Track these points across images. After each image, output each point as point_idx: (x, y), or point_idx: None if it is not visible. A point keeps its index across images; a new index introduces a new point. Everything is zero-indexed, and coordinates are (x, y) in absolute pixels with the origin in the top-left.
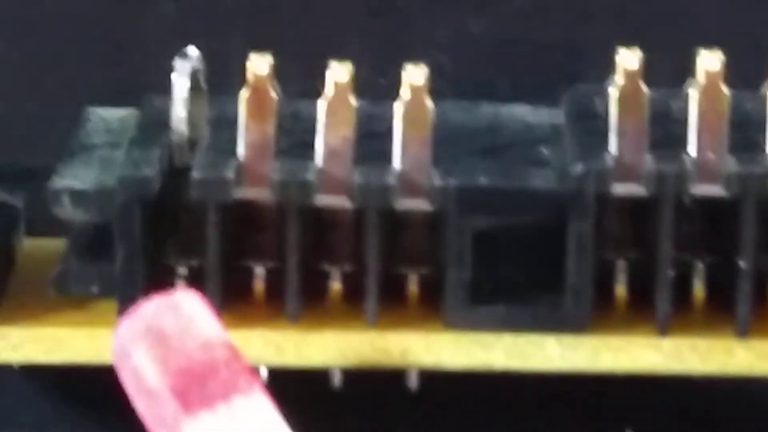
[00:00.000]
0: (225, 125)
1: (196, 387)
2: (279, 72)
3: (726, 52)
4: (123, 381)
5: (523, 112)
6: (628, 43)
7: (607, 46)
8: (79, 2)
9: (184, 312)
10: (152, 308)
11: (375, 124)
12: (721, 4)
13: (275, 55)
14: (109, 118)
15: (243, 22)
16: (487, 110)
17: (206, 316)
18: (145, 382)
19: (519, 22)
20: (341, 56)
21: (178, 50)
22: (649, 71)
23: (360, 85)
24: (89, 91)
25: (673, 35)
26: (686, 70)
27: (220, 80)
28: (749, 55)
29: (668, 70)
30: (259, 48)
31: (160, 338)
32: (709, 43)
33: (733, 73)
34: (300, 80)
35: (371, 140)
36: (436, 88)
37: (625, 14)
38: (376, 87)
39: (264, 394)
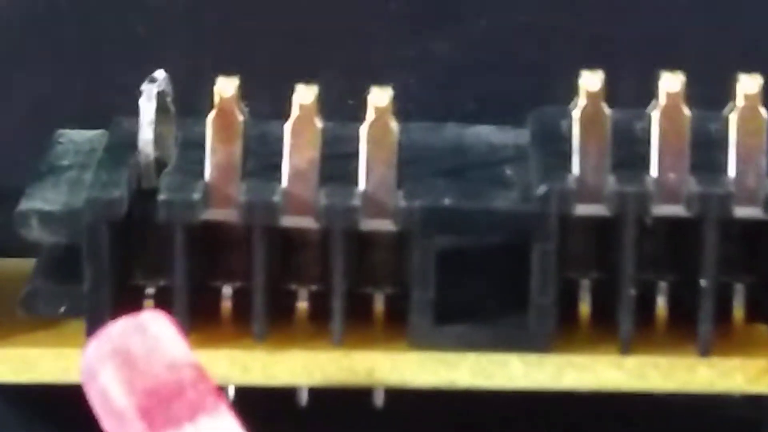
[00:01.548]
0: (193, 147)
1: (163, 407)
2: (248, 94)
3: (690, 75)
4: (91, 401)
5: (488, 133)
6: (593, 65)
7: (574, 68)
8: (49, 25)
9: (150, 333)
10: (119, 329)
11: (342, 145)
12: (684, 27)
13: (244, 78)
14: (78, 140)
15: (212, 45)
16: (452, 131)
17: (173, 336)
18: (112, 402)
19: (485, 44)
20: (310, 79)
21: (148, 73)
22: (614, 93)
23: (328, 107)
24: (59, 113)
25: (638, 58)
26: (651, 92)
27: (190, 102)
28: (713, 77)
29: (633, 92)
30: (229, 71)
31: (126, 359)
32: (674, 66)
33: (697, 95)
34: (269, 102)
35: (339, 161)
36: (403, 109)
37: (590, 37)
38: (344, 109)
39: (230, 413)
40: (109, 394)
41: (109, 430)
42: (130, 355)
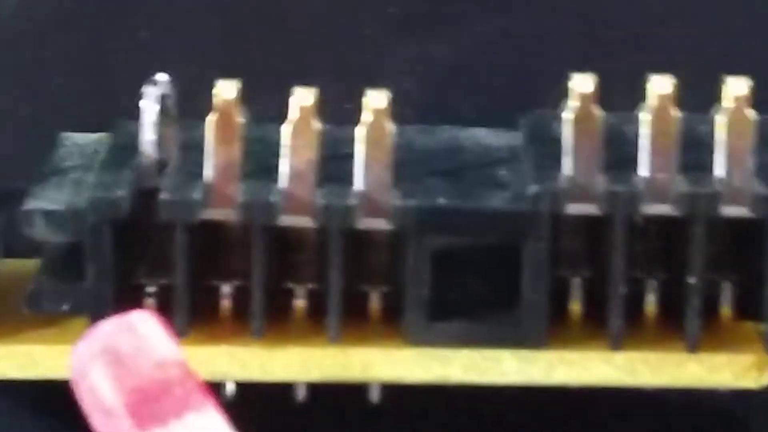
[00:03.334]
0: (194, 148)
1: (150, 405)
2: (247, 97)
3: (679, 77)
4: (80, 399)
5: (482, 135)
6: (585, 69)
7: (566, 71)
8: (54, 31)
9: (139, 332)
10: (109, 329)
11: (340, 147)
12: (674, 31)
13: (245, 81)
14: (82, 142)
15: (213, 49)
16: (448, 133)
17: (161, 336)
18: (101, 400)
19: (480, 48)
20: (309, 81)
21: (150, 76)
22: (606, 96)
23: (326, 109)
24: (64, 116)
25: (630, 60)
26: (641, 94)
27: (192, 105)
28: (702, 80)
29: (624, 95)
30: (230, 73)
31: (115, 358)
32: (664, 69)
33: (686, 97)
34: (269, 105)
35: (336, 162)
36: (400, 112)
37: (582, 41)
38: (342, 111)
39: (216, 411)
40: (98, 392)
41: (98, 427)
42: (118, 354)
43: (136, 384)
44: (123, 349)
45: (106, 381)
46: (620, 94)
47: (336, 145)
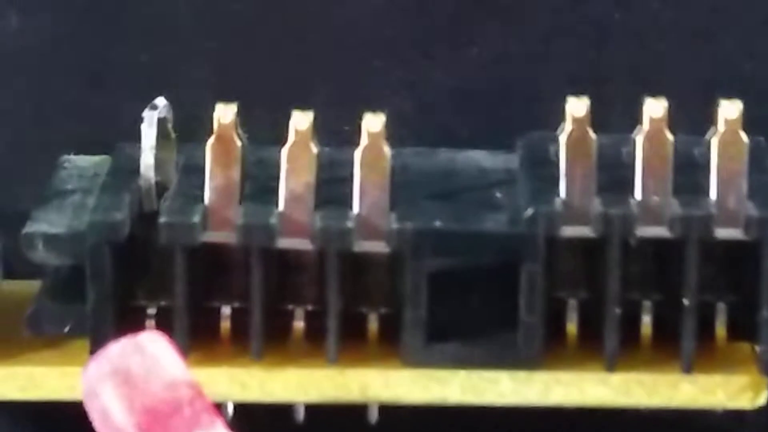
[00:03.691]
0: (193, 171)
1: (161, 424)
2: (246, 120)
3: (673, 101)
4: (92, 419)
5: (478, 158)
6: (580, 92)
7: (562, 94)
8: (53, 54)
9: (149, 353)
10: (119, 350)
11: (337, 169)
12: (668, 55)
13: (243, 105)
14: (82, 165)
15: (212, 73)
16: (444, 156)
17: (171, 356)
18: (112, 420)
19: (476, 71)
20: (307, 105)
21: (150, 100)
22: (601, 119)
23: (324, 132)
24: (65, 139)
25: (623, 85)
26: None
27: (191, 128)
28: (695, 103)
29: (619, 118)
30: (228, 97)
31: (126, 378)
32: (658, 92)
33: (680, 120)
34: (266, 128)
35: (333, 185)
36: (397, 134)
37: (578, 65)
38: (340, 134)
39: (225, 430)
40: (110, 412)
41: None
42: (129, 374)
43: (147, 404)
44: (133, 370)
45: (116, 401)
46: (617, 117)
47: (334, 168)
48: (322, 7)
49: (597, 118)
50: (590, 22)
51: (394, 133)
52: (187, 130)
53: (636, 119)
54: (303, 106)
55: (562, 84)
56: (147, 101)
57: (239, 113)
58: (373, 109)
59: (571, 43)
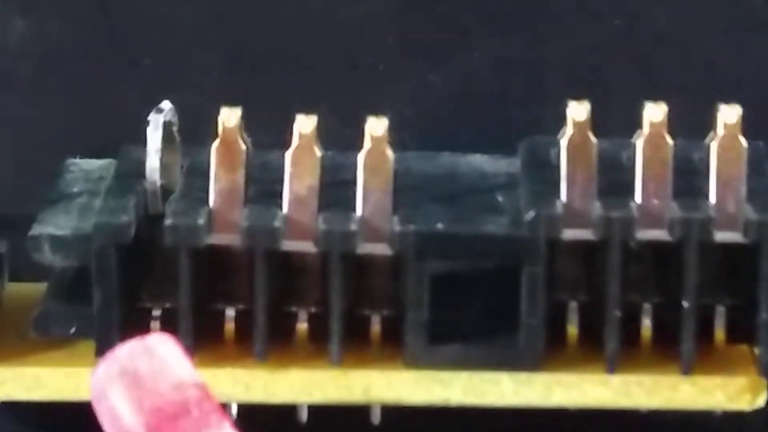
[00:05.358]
0: (198, 174)
1: (169, 425)
2: (250, 124)
3: (673, 105)
4: (100, 420)
5: (480, 162)
6: (581, 96)
7: (563, 99)
8: (58, 58)
9: (157, 354)
10: (127, 351)
11: (341, 173)
12: (668, 60)
13: (247, 108)
14: (88, 168)
15: (217, 76)
16: (447, 160)
17: (179, 357)
18: (120, 421)
19: (478, 76)
20: (310, 109)
21: (155, 103)
22: (602, 123)
23: (328, 136)
24: (70, 142)
25: (624, 89)
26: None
27: (195, 131)
28: (695, 108)
29: (620, 122)
30: (232, 101)
31: (134, 380)
32: (658, 97)
33: (680, 124)
34: (270, 132)
35: (337, 188)
36: (399, 138)
37: (579, 69)
38: (343, 138)
39: (233, 431)
40: (118, 413)
41: None
42: (137, 375)
43: (155, 405)
44: (141, 371)
45: (125, 402)
46: (618, 121)
47: (336, 171)
48: (325, 12)
49: (597, 122)
50: (591, 27)
51: (396, 137)
52: (192, 133)
53: (636, 123)
54: (305, 110)
55: (562, 88)
56: (152, 105)
57: (243, 117)
58: (376, 113)
59: (572, 48)
